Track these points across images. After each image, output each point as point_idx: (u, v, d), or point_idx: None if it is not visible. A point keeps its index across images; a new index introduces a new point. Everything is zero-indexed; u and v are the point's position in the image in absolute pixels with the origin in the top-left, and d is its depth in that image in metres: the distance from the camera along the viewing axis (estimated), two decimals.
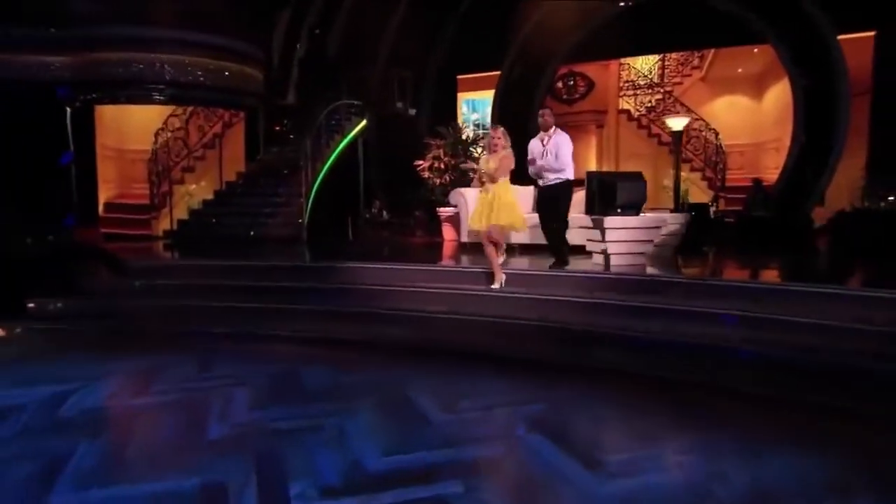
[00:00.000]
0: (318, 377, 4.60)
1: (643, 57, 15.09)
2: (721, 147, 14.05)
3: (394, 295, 6.20)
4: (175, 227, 11.32)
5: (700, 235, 8.26)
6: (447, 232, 9.82)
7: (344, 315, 5.99)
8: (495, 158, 5.90)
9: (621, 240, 6.30)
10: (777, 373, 4.19)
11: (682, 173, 14.56)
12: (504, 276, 6.02)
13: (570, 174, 6.27)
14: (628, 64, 15.35)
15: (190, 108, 12.19)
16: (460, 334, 5.40)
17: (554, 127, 6.35)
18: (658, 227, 6.58)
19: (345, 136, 12.52)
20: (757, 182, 11.61)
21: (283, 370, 4.78)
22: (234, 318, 6.11)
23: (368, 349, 5.40)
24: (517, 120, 13.70)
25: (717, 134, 14.08)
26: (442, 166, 10.02)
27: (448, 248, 9.24)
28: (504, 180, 5.95)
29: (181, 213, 11.57)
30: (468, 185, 9.92)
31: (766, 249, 8.54)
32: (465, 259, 7.52)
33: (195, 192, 11.86)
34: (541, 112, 6.53)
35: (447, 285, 6.22)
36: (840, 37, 11.58)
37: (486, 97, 15.67)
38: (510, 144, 6.01)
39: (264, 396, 4.19)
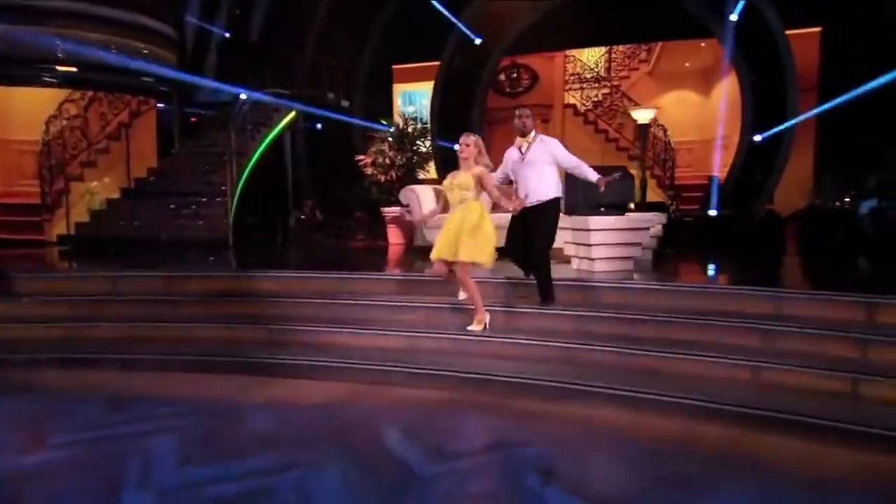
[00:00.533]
0: (258, 418, 3.86)
1: (589, 49, 14.94)
2: (670, 144, 14.07)
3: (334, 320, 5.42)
4: (72, 231, 10.15)
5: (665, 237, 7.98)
6: (393, 235, 9.21)
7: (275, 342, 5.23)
8: (467, 175, 4.79)
9: (608, 243, 5.73)
10: None
11: (631, 171, 14.56)
12: (488, 316, 4.95)
13: (559, 191, 5.14)
14: (574, 56, 15.13)
15: (89, 94, 10.94)
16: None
17: (535, 133, 5.16)
18: (647, 229, 5.97)
19: (272, 129, 11.67)
20: (713, 180, 11.60)
21: (211, 410, 4.01)
22: (144, 342, 5.25)
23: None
24: (458, 115, 13.30)
25: (665, 130, 14.09)
26: (387, 161, 9.34)
27: (394, 253, 8.58)
28: (479, 203, 4.85)
29: (80, 214, 10.35)
30: (419, 181, 9.34)
31: (739, 250, 8.31)
32: (417, 266, 6.69)
33: (97, 190, 10.64)
34: (517, 113, 5.22)
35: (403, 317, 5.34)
36: (787, 32, 11.79)
37: (424, 89, 15.18)
38: (486, 156, 4.91)
39: (194, 448, 3.42)
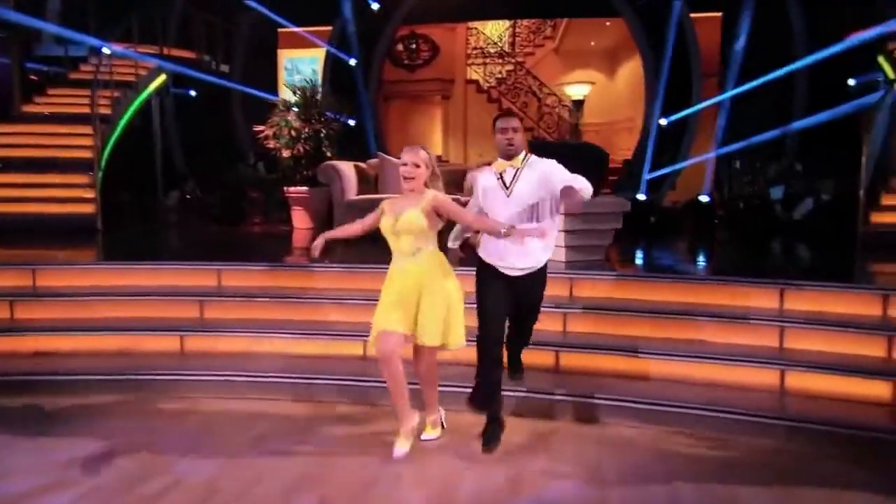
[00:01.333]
0: None
1: (493, 23, 14.80)
2: (577, 126, 14.24)
3: None
4: None
5: None
6: (299, 218, 8.51)
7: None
8: (416, 211, 3.32)
9: (579, 229, 5.02)
10: None
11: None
12: (442, 411, 3.67)
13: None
14: (477, 29, 14.91)
15: None
16: None
17: (525, 153, 3.42)
18: (621, 214, 5.28)
19: (140, 93, 10.52)
20: (627, 163, 11.74)
21: None
22: None
23: None
24: (351, 89, 12.73)
25: (570, 111, 14.24)
26: (292, 133, 8.63)
27: (300, 238, 7.83)
28: (440, 254, 3.47)
29: None
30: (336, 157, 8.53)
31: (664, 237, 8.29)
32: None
33: None
34: (500, 125, 3.41)
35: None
36: (692, 15, 12.19)
37: (314, 56, 14.46)
38: (440, 178, 3.50)
39: None
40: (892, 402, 3.60)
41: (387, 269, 3.47)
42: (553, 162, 3.39)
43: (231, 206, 9.67)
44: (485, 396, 3.47)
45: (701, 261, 6.43)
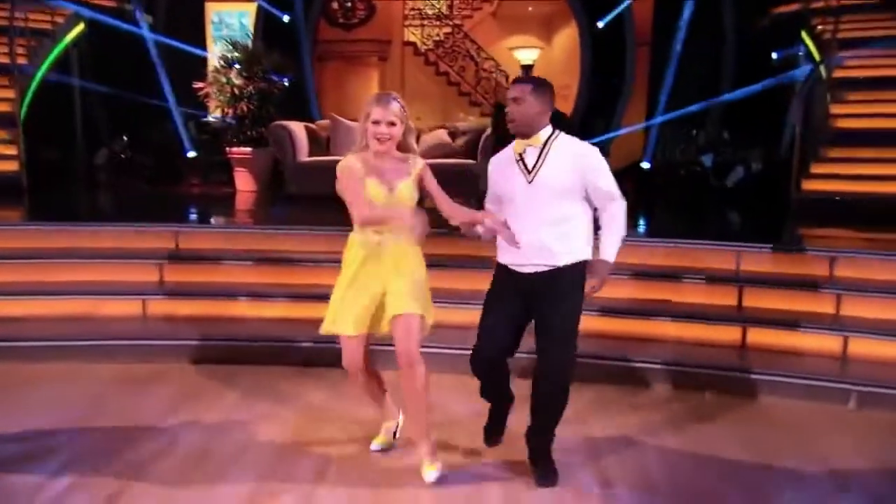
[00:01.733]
0: None
1: None
2: None
3: None
4: None
5: None
6: (242, 180, 8.21)
7: None
8: (408, 182, 2.83)
9: None
10: None
11: (472, 118, 14.65)
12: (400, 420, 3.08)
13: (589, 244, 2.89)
14: None
15: None
16: None
17: (552, 130, 2.86)
18: None
19: (58, 43, 9.82)
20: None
21: None
22: None
23: None
24: (285, 47, 12.33)
25: (507, 77, 14.31)
26: (235, 91, 8.25)
27: (244, 201, 7.62)
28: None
29: None
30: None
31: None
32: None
33: None
34: (514, 88, 2.85)
35: None
36: None
37: (244, 9, 13.89)
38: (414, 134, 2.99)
39: None
40: None
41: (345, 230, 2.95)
42: (589, 147, 2.88)
43: (167, 166, 9.26)
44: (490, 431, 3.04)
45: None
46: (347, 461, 2.92)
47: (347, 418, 3.33)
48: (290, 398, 3.62)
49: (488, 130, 7.43)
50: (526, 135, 2.82)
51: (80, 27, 10.42)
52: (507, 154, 2.91)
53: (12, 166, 7.60)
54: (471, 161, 7.22)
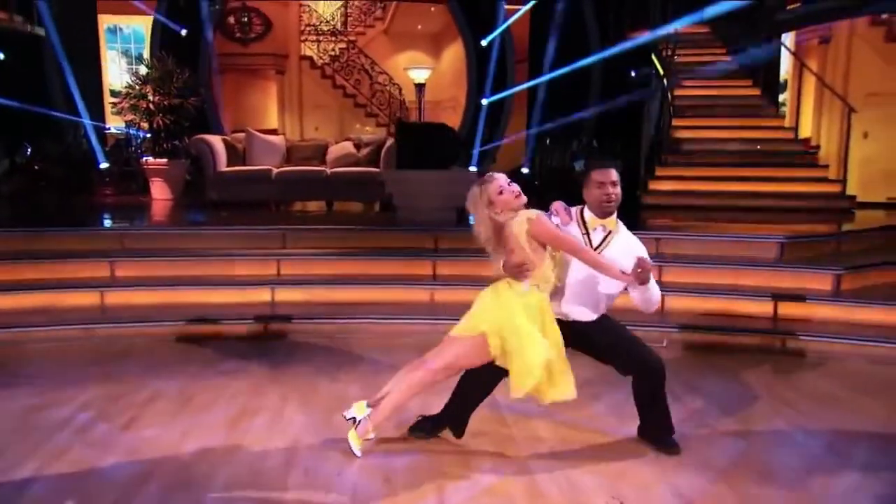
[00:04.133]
0: None
1: (325, 1, 15.47)
2: (404, 103, 15.46)
3: None
4: None
5: None
6: (158, 189, 8.80)
7: None
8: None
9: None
10: None
11: (369, 128, 15.63)
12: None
13: None
14: (310, 6, 15.47)
15: None
16: None
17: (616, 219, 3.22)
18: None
19: None
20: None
21: None
22: None
23: None
24: (185, 62, 12.80)
25: (400, 89, 15.43)
26: (150, 107, 8.79)
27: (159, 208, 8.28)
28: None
29: None
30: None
31: None
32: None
33: None
34: (597, 172, 3.18)
35: None
36: (506, 7, 13.84)
37: (139, 22, 14.14)
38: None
39: None
40: None
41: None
42: (640, 244, 3.20)
43: (78, 176, 9.64)
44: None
45: None
46: (303, 394, 3.92)
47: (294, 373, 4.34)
48: (246, 361, 4.56)
49: (390, 141, 8.51)
50: (607, 216, 3.14)
51: None
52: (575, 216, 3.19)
53: None
54: (375, 169, 8.29)
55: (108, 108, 13.57)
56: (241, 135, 8.96)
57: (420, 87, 11.90)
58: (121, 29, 14.53)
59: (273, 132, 12.94)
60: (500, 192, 2.98)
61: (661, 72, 10.57)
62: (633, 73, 11.79)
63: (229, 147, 8.57)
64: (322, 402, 3.78)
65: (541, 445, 3.29)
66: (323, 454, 3.11)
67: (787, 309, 5.18)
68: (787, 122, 10.27)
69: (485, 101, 13.68)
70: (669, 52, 10.21)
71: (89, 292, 5.21)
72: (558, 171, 10.63)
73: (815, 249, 5.92)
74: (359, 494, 2.77)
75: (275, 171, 8.52)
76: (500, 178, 3.03)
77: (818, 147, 10.20)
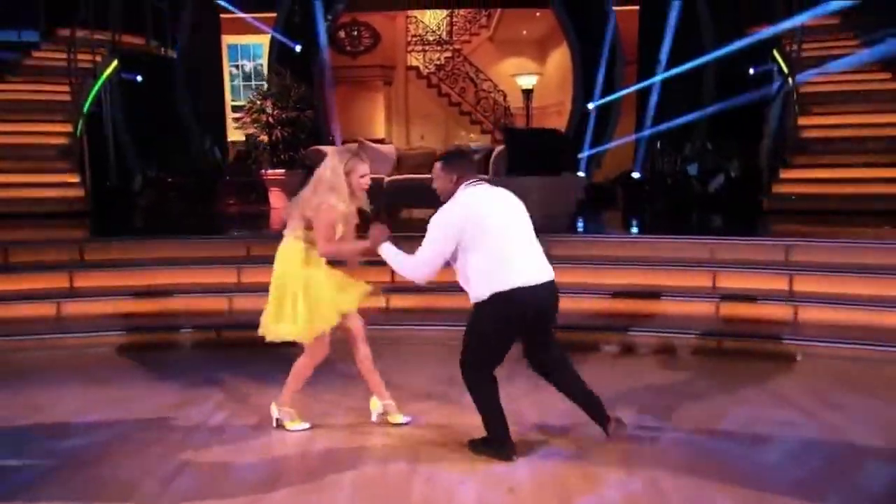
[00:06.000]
0: None
1: (431, 12, 15.81)
2: (509, 109, 15.54)
3: None
4: None
5: None
6: (276, 198, 9.28)
7: None
8: None
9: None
10: None
11: (473, 135, 15.80)
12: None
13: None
14: (416, 18, 15.90)
15: None
16: None
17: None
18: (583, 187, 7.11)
19: (98, 80, 10.90)
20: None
21: None
22: None
23: None
24: (300, 76, 13.46)
25: (504, 96, 15.52)
26: (270, 120, 9.29)
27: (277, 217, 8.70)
28: None
29: None
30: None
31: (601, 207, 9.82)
32: None
33: None
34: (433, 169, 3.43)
35: None
36: (614, 8, 13.62)
37: (258, 41, 14.97)
38: None
39: None
40: None
41: None
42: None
43: (208, 187, 10.34)
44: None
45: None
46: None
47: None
48: None
49: (499, 148, 8.54)
50: None
51: (114, 64, 11.46)
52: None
53: (75, 192, 8.72)
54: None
55: (229, 123, 14.61)
56: (354, 145, 9.25)
57: (527, 93, 11.89)
58: (241, 47, 15.38)
59: (381, 141, 13.32)
60: (362, 177, 3.49)
61: (785, 68, 10.08)
62: (752, 71, 11.35)
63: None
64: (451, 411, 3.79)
65: (665, 458, 3.16)
66: (444, 463, 3.13)
67: None
68: None
69: (591, 106, 13.53)
70: (796, 47, 9.66)
71: (219, 297, 5.53)
72: (670, 176, 10.28)
73: None
74: None
75: (386, 179, 8.73)
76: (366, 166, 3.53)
77: None
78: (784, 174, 8.43)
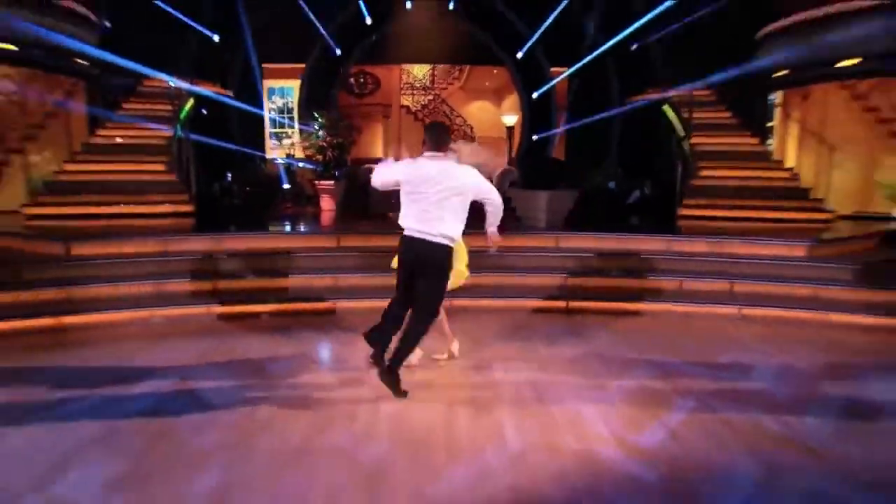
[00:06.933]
0: None
1: (419, 66, 18.48)
2: (475, 138, 18.47)
3: None
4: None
5: None
6: (325, 202, 11.19)
7: None
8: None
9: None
10: None
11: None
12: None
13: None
14: (408, 70, 18.51)
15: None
16: None
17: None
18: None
19: (181, 115, 13.14)
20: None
21: None
22: None
23: None
24: (317, 106, 15.69)
25: (472, 128, 18.47)
26: (324, 144, 11.13)
27: (327, 216, 10.67)
28: None
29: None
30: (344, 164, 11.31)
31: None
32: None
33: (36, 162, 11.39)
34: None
35: None
36: (552, 68, 16.64)
37: (288, 85, 17.44)
38: None
39: None
40: None
41: None
42: None
43: (270, 194, 12.85)
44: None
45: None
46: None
47: None
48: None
49: (501, 168, 11.61)
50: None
51: (191, 102, 13.69)
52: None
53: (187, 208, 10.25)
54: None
55: (267, 143, 17.02)
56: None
57: (510, 129, 14.67)
58: (276, 88, 17.82)
59: (381, 160, 15.99)
60: None
61: (681, 130, 12.19)
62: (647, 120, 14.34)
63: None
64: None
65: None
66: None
67: None
68: (776, 157, 12.16)
69: (535, 137, 16.47)
70: (687, 112, 11.94)
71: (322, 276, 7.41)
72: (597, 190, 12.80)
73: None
74: None
75: None
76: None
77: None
78: (687, 200, 10.66)
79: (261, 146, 16.42)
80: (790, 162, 12.88)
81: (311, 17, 14.51)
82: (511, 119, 14.89)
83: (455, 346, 5.12)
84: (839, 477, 3.36)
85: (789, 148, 13.37)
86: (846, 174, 12.15)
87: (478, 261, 5.50)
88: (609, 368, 5.04)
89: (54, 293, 6.50)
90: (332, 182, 11.34)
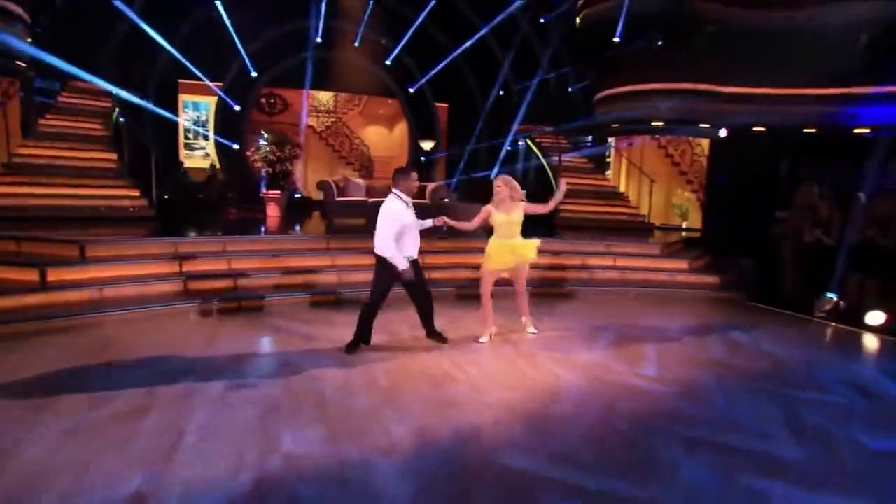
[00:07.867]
0: None
1: (323, 92, 19.05)
2: (370, 157, 19.48)
3: None
4: None
5: None
6: (271, 209, 11.41)
7: None
8: (520, 212, 5.29)
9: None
10: None
11: (347, 172, 19.41)
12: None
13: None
14: (314, 94, 18.90)
15: None
16: None
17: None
18: None
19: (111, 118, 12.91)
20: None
21: None
22: None
23: None
24: (232, 124, 16.08)
25: (368, 148, 19.43)
26: (273, 157, 11.37)
27: (272, 221, 10.91)
28: None
29: None
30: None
31: None
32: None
33: None
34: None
35: None
36: (436, 104, 18.17)
37: (207, 100, 17.29)
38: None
39: None
40: None
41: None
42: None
43: (219, 199, 12.90)
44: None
45: None
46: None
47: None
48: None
49: (435, 184, 12.54)
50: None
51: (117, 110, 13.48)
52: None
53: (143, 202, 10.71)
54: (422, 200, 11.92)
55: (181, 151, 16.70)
56: (340, 177, 11.98)
57: (426, 152, 15.83)
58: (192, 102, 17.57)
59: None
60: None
61: (539, 154, 14.70)
62: (510, 148, 16.33)
63: (337, 186, 11.48)
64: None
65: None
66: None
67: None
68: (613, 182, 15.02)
69: (423, 159, 17.86)
70: (544, 143, 14.41)
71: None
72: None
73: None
74: None
75: (369, 200, 10.84)
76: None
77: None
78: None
79: (175, 156, 16.28)
80: (622, 188, 15.56)
81: (235, 38, 14.71)
82: (427, 145, 16.43)
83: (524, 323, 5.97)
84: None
85: (622, 178, 15.99)
86: (655, 197, 14.91)
87: None
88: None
89: None
90: (278, 192, 11.70)
